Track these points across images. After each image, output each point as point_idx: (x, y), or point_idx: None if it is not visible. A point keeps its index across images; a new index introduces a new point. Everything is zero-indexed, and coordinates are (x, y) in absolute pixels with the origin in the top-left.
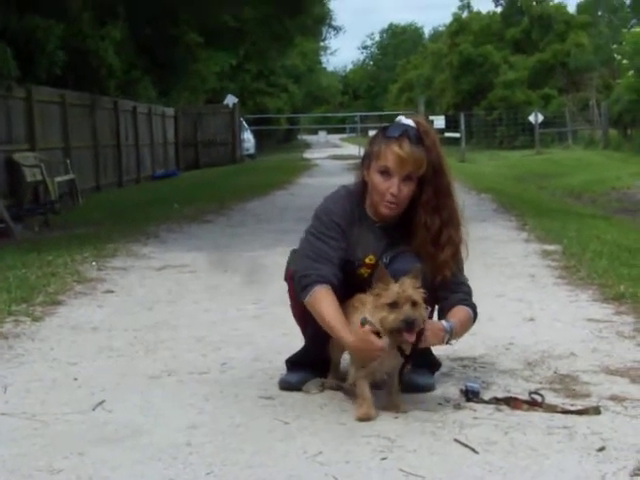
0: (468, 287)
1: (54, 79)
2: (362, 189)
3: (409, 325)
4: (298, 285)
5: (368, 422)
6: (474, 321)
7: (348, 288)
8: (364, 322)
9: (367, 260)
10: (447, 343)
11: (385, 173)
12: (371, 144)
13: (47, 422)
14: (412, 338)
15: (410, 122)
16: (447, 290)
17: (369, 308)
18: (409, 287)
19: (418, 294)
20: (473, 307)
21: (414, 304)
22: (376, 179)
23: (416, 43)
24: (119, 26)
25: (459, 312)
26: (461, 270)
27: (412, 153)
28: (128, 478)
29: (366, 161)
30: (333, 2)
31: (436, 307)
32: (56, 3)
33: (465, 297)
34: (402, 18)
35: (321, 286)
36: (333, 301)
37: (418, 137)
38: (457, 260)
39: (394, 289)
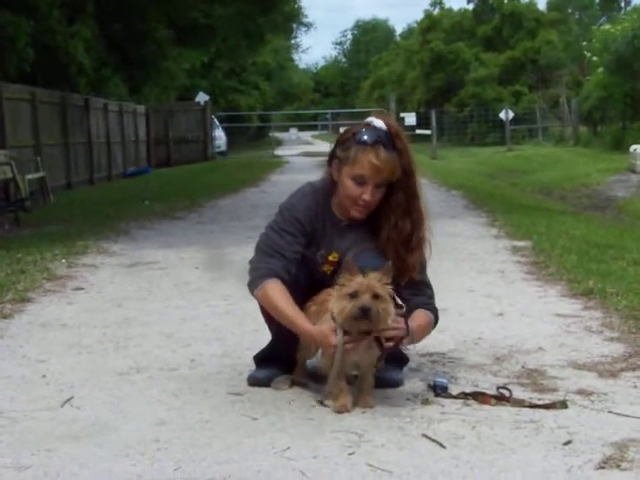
0: (431, 289)
1: (24, 76)
2: (329, 187)
3: (364, 313)
4: (249, 277)
5: (337, 417)
6: (434, 325)
7: (311, 285)
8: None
9: (330, 257)
10: (403, 345)
11: (359, 180)
12: (342, 148)
13: (15, 419)
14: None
15: (382, 125)
16: (411, 290)
17: (333, 298)
18: (373, 279)
19: (383, 288)
20: (435, 311)
21: (376, 296)
22: (349, 185)
23: (388, 40)
24: (89, 23)
25: (419, 316)
26: (424, 269)
27: (388, 162)
28: (96, 475)
29: (336, 162)
30: None
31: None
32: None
33: (428, 301)
34: (375, 14)
35: (271, 280)
36: (283, 292)
37: (391, 141)
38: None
39: (357, 280)
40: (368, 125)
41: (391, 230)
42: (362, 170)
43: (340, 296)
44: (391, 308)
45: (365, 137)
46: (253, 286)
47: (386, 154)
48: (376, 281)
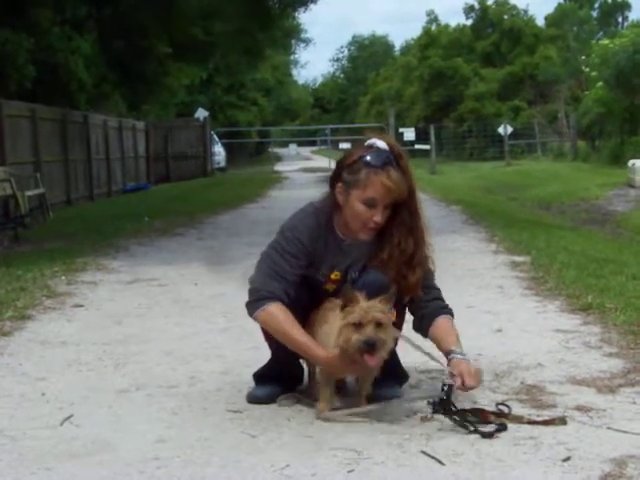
0: (438, 290)
1: (24, 93)
2: (331, 208)
3: (370, 346)
4: (249, 297)
5: (336, 434)
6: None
7: (314, 304)
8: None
9: (332, 276)
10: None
11: (370, 203)
12: (350, 171)
13: (15, 437)
14: (372, 361)
15: (385, 146)
16: (425, 296)
17: (337, 326)
18: (376, 308)
19: (386, 317)
20: (451, 312)
21: (379, 325)
22: (359, 208)
23: (387, 55)
24: (89, 40)
25: (446, 326)
26: (433, 276)
27: (399, 182)
28: None
29: (341, 185)
30: (304, 15)
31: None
32: (26, 17)
33: (442, 304)
34: (375, 30)
35: (272, 303)
36: (287, 315)
37: (396, 162)
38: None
39: (361, 307)
40: (371, 147)
41: (394, 249)
42: (374, 193)
43: (344, 325)
44: (392, 336)
45: (375, 159)
46: (253, 308)
47: (396, 175)
48: (379, 309)
